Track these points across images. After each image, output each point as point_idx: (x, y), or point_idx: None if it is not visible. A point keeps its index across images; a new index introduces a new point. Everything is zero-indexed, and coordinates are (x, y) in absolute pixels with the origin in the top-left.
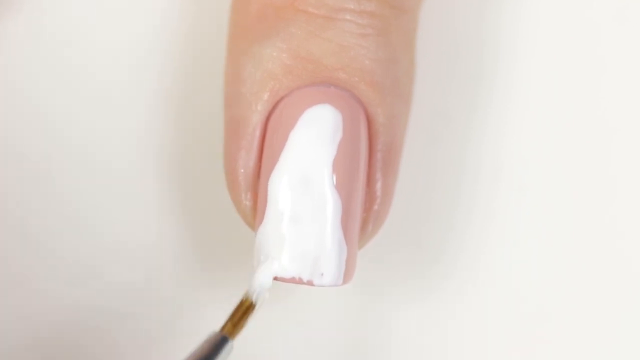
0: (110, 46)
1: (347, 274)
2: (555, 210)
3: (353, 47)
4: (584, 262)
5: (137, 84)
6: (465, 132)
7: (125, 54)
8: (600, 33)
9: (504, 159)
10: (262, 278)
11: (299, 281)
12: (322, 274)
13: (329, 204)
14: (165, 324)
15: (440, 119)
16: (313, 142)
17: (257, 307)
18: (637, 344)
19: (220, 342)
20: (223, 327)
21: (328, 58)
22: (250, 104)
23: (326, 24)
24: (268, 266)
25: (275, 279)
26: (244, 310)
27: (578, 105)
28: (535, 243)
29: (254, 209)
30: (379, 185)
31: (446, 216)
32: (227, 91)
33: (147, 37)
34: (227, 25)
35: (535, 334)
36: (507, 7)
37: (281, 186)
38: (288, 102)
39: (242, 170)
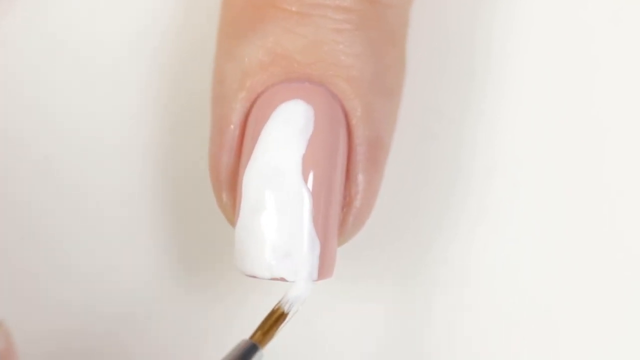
0: (107, 46)
1: (323, 269)
2: (548, 208)
3: (328, 42)
4: (578, 259)
5: (129, 84)
6: (458, 130)
7: (122, 54)
8: (594, 32)
9: (497, 157)
10: (300, 290)
11: (274, 277)
12: (294, 270)
13: (299, 198)
14: (163, 324)
15: (433, 116)
16: (284, 137)
17: (288, 318)
18: (632, 342)
19: (249, 349)
20: (253, 335)
21: (302, 54)
22: (230, 102)
23: (302, 20)
24: (307, 280)
25: (248, 275)
26: (275, 319)
27: (571, 103)
28: (528, 240)
29: (233, 206)
30: (359, 180)
31: (439, 214)
32: (213, 90)
33: (144, 37)
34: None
35: (528, 332)
36: (500, 4)
37: (253, 181)
38: (263, 99)
39: (223, 169)
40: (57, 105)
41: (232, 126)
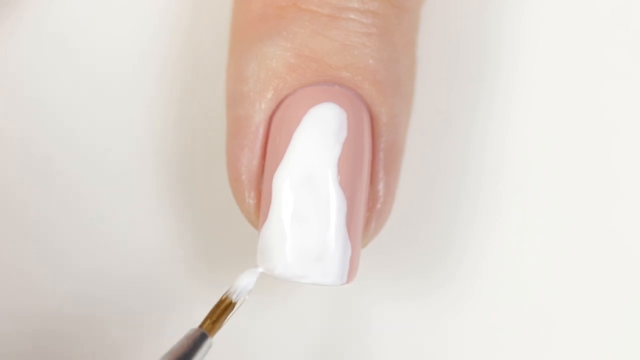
0: (112, 46)
1: (351, 273)
2: (557, 210)
3: (357, 46)
4: (587, 262)
5: (138, 83)
6: (467, 132)
7: (127, 54)
8: (602, 33)
9: (506, 159)
10: (247, 279)
11: (303, 280)
12: (325, 273)
13: (334, 203)
14: (164, 321)
15: (442, 118)
16: (317, 142)
17: (236, 307)
18: (636, 343)
19: (199, 338)
20: (202, 324)
21: (332, 57)
22: (253, 103)
23: (330, 22)
24: (255, 270)
25: (279, 277)
26: (223, 308)
27: (580, 105)
28: (537, 243)
29: (257, 207)
30: (381, 185)
31: (448, 216)
32: (230, 90)
33: (149, 37)
34: (228, 24)
35: (537, 335)
36: (508, 6)
37: (285, 185)
38: (292, 100)
39: (245, 169)
40: (66, 107)
41: (255, 126)
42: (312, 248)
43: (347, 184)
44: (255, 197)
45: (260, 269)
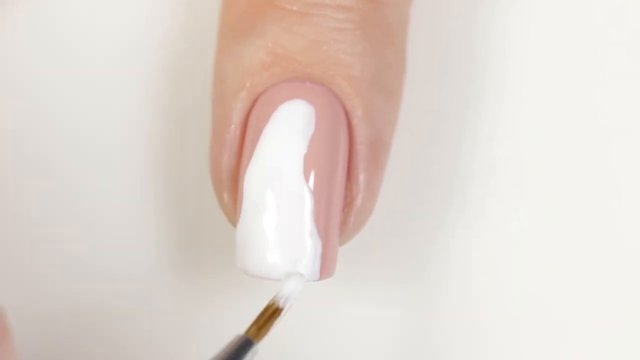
0: (107, 46)
1: (325, 269)
2: (549, 209)
3: (328, 41)
4: (578, 260)
5: (130, 83)
6: (459, 131)
7: (122, 54)
8: (593, 31)
9: (498, 158)
10: (294, 285)
11: (274, 277)
12: (296, 270)
13: (300, 198)
14: (162, 322)
15: (433, 117)
16: (284, 137)
17: (283, 313)
18: (633, 342)
19: (244, 344)
20: (248, 330)
21: (302, 53)
22: (230, 103)
23: (301, 19)
24: (301, 274)
25: (250, 274)
26: (270, 314)
27: (571, 103)
28: (528, 242)
29: (234, 206)
30: (360, 180)
31: (439, 215)
32: (213, 91)
33: (144, 37)
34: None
35: (528, 334)
36: (500, 5)
37: (254, 181)
38: (263, 99)
39: (223, 169)
40: (57, 105)
41: (232, 126)
42: (281, 244)
43: (316, 179)
44: (232, 197)
45: (305, 274)
